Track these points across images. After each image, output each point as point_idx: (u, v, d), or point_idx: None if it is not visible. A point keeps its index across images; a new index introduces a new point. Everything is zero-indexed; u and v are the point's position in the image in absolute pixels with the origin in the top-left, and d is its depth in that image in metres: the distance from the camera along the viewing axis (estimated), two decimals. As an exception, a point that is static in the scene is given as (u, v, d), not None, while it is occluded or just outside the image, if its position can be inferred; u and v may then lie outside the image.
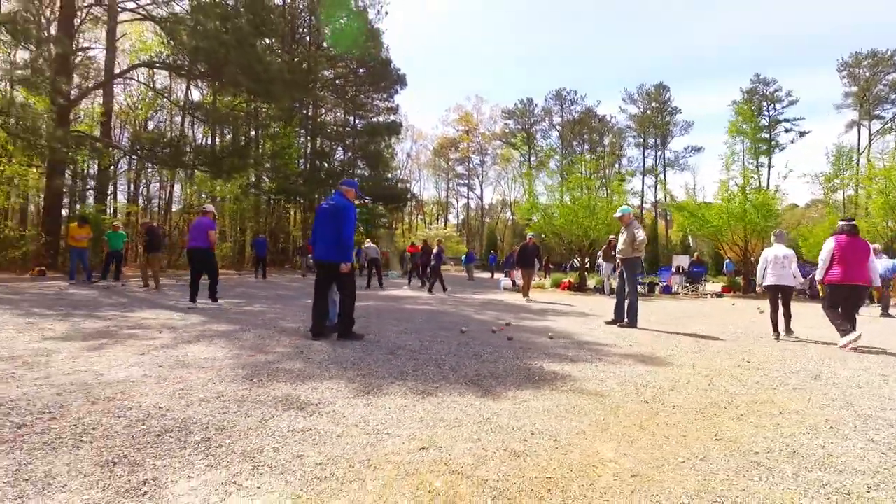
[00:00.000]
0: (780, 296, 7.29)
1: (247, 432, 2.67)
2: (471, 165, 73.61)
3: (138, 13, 17.53)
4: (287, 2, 32.56)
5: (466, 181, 75.04)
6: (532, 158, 70.68)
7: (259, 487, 2.07)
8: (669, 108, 61.33)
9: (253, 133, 27.05)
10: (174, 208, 29.80)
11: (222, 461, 2.30)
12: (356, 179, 7.49)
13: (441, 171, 75.42)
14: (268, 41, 33.19)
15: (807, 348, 6.20)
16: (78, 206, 18.60)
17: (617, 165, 71.86)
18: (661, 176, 65.55)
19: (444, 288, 14.64)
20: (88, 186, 20.44)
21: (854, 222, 6.71)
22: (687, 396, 3.71)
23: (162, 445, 2.44)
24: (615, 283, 15.49)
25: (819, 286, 8.03)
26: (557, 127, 70.52)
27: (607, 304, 10.96)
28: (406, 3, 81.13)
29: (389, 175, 37.22)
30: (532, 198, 18.31)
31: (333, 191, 5.88)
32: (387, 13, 35.55)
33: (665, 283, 17.38)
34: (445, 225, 75.19)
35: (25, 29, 14.00)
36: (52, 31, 17.40)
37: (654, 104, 61.83)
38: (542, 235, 17.80)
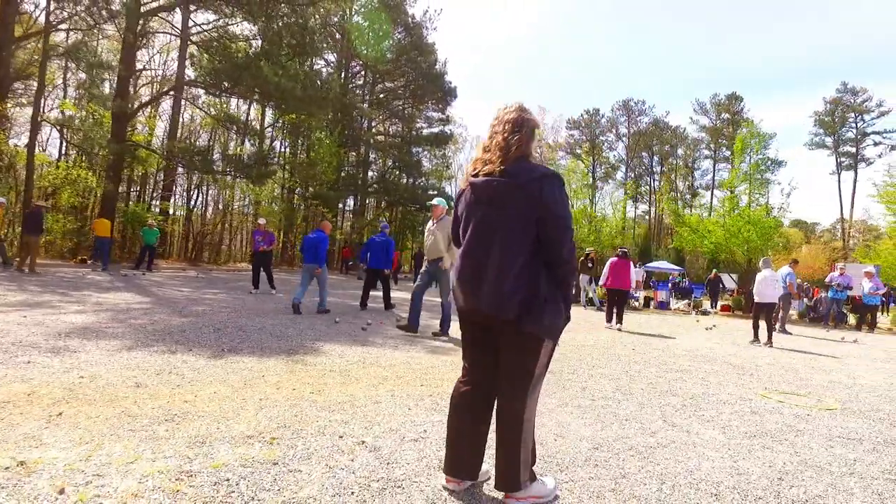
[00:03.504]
0: (762, 311, 9.32)
1: (-12, 360, 3.89)
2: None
3: (189, 40, 20.07)
4: (339, 21, 34.70)
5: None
6: (598, 170, 69.80)
7: (-71, 383, 3.26)
8: (743, 120, 58.09)
9: (298, 143, 29.57)
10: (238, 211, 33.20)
11: (-64, 370, 3.52)
12: (385, 221, 11.80)
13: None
14: (330, 59, 36.04)
15: (648, 349, 6.64)
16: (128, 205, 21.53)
17: (690, 178, 69.31)
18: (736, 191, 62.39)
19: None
20: (134, 189, 23.63)
21: (626, 250, 10.75)
22: (377, 371, 4.53)
23: (-82, 361, 3.71)
24: (591, 294, 15.74)
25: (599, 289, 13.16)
26: (624, 138, 68.89)
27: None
28: (475, 15, 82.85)
29: (427, 183, 38.67)
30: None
31: (380, 231, 10.31)
32: (435, 28, 36.80)
33: (661, 300, 17.24)
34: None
35: (86, 55, 16.41)
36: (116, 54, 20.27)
37: (725, 115, 58.87)
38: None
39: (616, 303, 10.16)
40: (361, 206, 38.64)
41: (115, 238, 18.74)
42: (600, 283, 10.76)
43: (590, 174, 68.62)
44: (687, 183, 70.09)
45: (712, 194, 64.23)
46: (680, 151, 69.58)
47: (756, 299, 9.48)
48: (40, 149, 20.97)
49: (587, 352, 6.69)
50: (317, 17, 26.33)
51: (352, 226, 37.26)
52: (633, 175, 70.45)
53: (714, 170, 64.42)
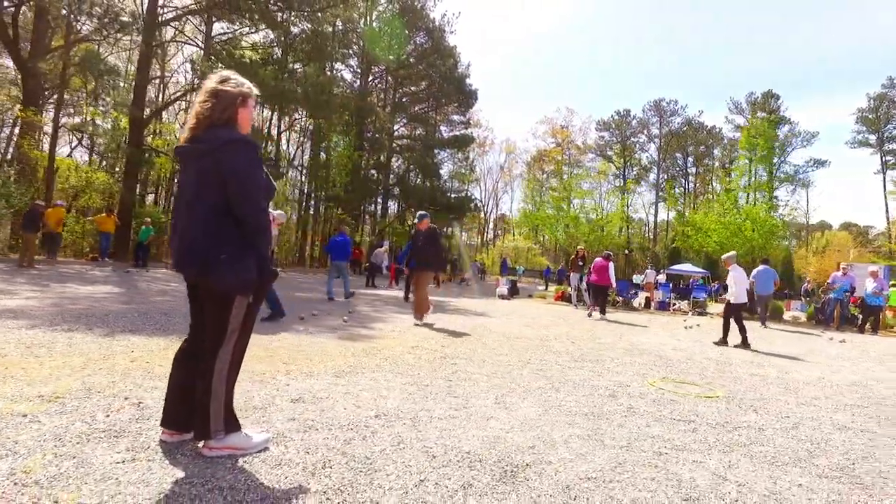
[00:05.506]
0: (734, 312, 8.53)
1: None
2: (564, 178, 72.76)
3: (210, 50, 20.98)
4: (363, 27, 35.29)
5: (558, 194, 74.13)
6: (631, 172, 68.49)
7: None
8: (782, 119, 55.83)
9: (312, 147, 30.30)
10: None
11: None
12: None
13: (536, 183, 75.41)
14: (352, 63, 36.80)
15: (603, 337, 6.55)
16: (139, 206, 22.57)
17: (727, 179, 67.06)
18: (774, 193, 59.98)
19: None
20: (150, 190, 24.83)
21: (609, 253, 11.71)
22: (259, 352, 4.67)
23: None
24: (584, 291, 15.52)
25: (586, 284, 13.28)
26: (656, 139, 67.30)
27: (531, 310, 11.36)
28: (494, 19, 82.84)
29: (450, 185, 38.84)
30: (530, 207, 18.63)
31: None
32: (453, 31, 36.99)
33: (660, 300, 16.79)
34: (532, 236, 74.78)
35: (97, 64, 17.25)
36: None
37: (761, 114, 56.64)
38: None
39: (598, 296, 11.70)
40: (383, 208, 39.13)
41: (133, 239, 19.63)
42: (586, 279, 12.72)
43: (620, 176, 67.77)
44: (724, 185, 67.84)
45: (748, 196, 62.02)
46: (716, 152, 67.58)
47: (731, 300, 8.59)
48: (71, 154, 22.25)
49: (512, 342, 6.64)
50: (338, 23, 26.97)
51: (372, 228, 37.83)
52: (665, 177, 68.74)
53: (750, 170, 62.12)
